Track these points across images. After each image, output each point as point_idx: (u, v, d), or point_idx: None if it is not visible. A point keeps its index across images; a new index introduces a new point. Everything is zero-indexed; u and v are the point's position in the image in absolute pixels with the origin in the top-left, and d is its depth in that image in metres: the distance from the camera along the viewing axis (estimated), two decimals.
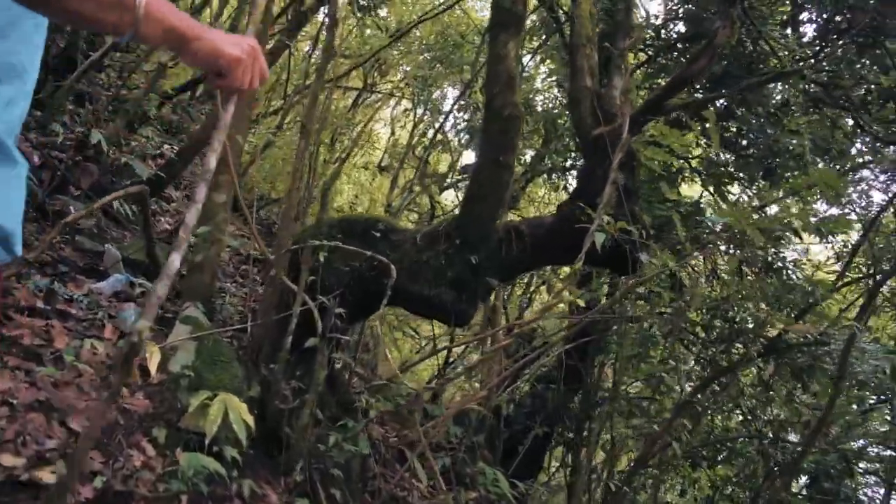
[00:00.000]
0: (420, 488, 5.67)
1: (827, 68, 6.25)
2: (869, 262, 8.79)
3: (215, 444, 3.52)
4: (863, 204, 10.03)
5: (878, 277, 7.26)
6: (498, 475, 6.25)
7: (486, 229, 5.03)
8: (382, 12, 15.12)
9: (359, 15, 15.12)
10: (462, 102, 17.66)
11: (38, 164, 7.39)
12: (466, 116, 15.95)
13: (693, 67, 4.63)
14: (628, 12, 5.81)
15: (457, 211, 7.04)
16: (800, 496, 8.01)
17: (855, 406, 8.35)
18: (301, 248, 4.55)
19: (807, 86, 5.85)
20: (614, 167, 3.95)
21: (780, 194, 9.29)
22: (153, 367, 3.62)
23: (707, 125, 4.44)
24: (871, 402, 8.60)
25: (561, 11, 9.25)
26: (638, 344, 9.60)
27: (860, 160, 8.47)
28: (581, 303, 4.06)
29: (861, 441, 8.69)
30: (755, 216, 8.21)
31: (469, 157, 20.25)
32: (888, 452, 8.29)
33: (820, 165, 8.72)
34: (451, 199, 17.79)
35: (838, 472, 7.60)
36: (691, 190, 10.12)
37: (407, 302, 5.18)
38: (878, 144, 5.85)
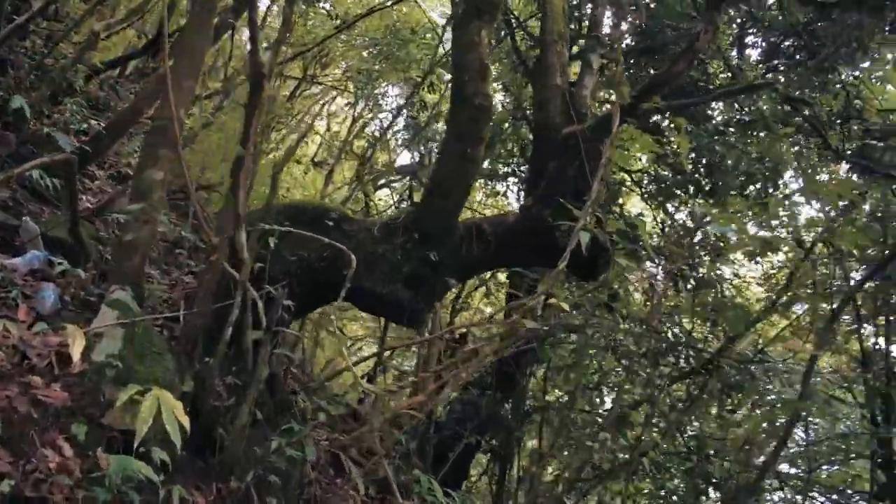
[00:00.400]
0: (356, 498, 5.32)
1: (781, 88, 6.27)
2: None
3: (143, 445, 3.11)
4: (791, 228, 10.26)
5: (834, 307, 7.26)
6: (433, 483, 5.98)
7: (448, 225, 4.74)
8: (327, 4, 14.71)
9: (303, 5, 14.69)
10: (403, 100, 17.41)
11: None
12: (410, 115, 15.72)
13: (673, 70, 4.46)
14: (599, 11, 5.61)
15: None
16: None
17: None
18: (247, 233, 4.14)
19: (778, 103, 5.79)
20: (603, 163, 3.70)
21: (717, 210, 9.35)
22: (75, 354, 3.18)
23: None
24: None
25: (512, 16, 9.09)
26: (571, 355, 9.54)
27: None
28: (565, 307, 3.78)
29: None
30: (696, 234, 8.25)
31: (406, 157, 19.96)
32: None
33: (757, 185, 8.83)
34: (385, 197, 17.49)
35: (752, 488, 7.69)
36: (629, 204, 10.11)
37: (358, 297, 4.82)
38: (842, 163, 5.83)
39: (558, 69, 5.25)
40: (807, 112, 5.66)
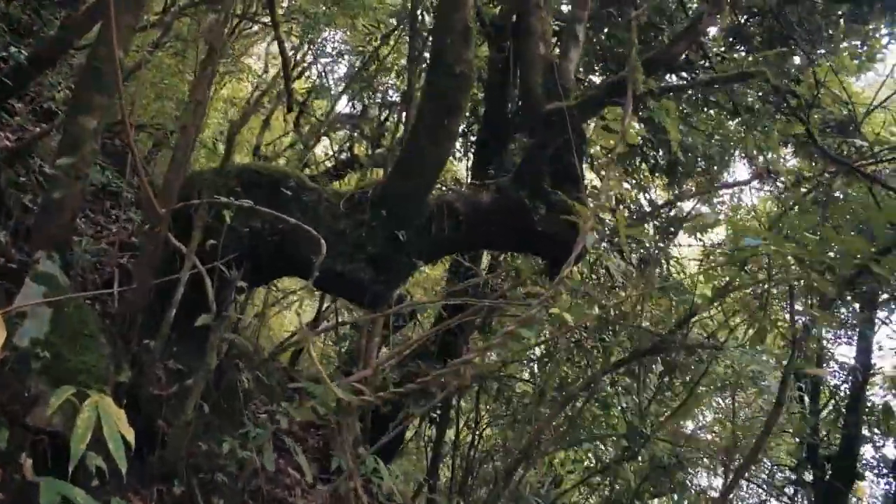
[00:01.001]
0: (302, 483, 4.99)
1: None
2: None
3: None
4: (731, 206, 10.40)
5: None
6: (378, 463, 5.71)
7: (418, 202, 4.35)
8: None
9: None
10: (349, 47, 16.73)
11: None
12: (355, 65, 15.09)
13: (671, 51, 4.14)
14: None
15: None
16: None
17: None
18: (195, 205, 3.67)
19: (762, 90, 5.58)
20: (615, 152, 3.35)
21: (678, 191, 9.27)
22: None
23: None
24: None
25: None
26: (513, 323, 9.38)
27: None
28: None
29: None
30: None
31: (343, 104, 19.31)
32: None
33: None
34: (325, 147, 16.90)
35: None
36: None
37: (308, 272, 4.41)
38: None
39: (540, 36, 4.86)
40: (792, 101, 5.45)
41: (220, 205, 3.61)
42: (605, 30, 7.73)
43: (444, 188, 5.38)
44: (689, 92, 6.51)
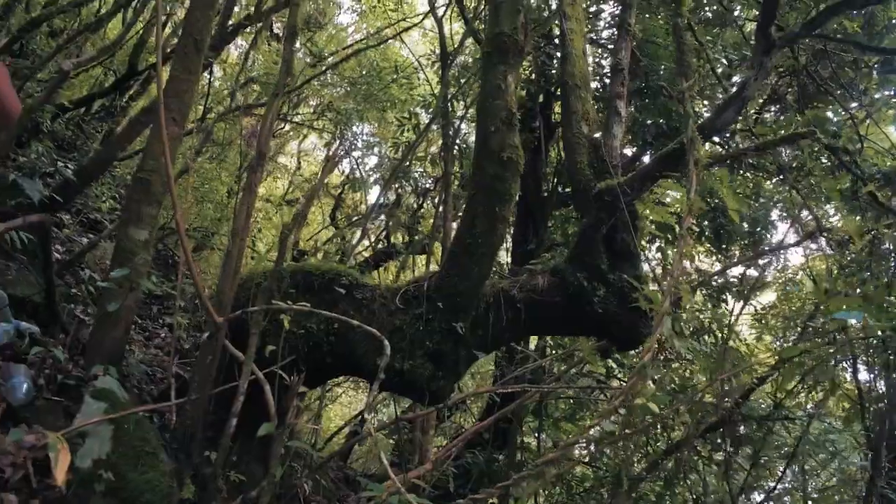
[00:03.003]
0: None
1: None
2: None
3: None
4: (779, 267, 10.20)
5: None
6: None
7: (474, 292, 4.25)
8: (298, 40, 14.35)
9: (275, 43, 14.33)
10: (378, 139, 17.08)
11: None
12: (386, 155, 15.36)
13: (721, 118, 4.07)
14: (622, 52, 5.24)
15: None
16: None
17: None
18: (252, 300, 3.61)
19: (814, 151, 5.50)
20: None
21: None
22: (60, 470, 2.62)
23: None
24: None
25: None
26: (568, 407, 9.19)
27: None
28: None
29: None
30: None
31: (375, 193, 19.50)
32: None
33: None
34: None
35: None
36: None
37: (373, 375, 4.30)
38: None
39: (583, 116, 4.84)
40: (846, 159, 5.34)
41: (276, 310, 3.55)
42: (635, 102, 7.76)
43: (498, 276, 5.29)
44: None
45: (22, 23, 10.80)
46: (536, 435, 8.87)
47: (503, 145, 4.12)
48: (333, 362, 4.13)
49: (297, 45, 14.54)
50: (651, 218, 4.59)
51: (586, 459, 9.23)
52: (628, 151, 8.73)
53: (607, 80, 8.03)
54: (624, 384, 4.87)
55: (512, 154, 4.12)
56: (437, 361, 4.15)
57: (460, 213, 10.01)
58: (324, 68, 13.86)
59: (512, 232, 9.60)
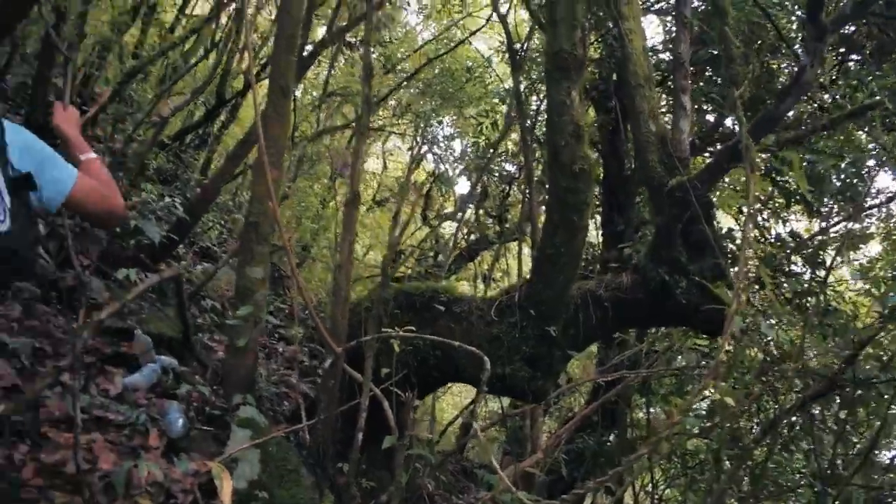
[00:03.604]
0: None
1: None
2: None
3: None
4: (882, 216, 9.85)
5: None
6: None
7: (562, 297, 4.59)
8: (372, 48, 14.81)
9: (349, 51, 14.81)
10: (456, 132, 17.42)
11: (45, 234, 6.90)
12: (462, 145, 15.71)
13: (781, 107, 4.23)
14: (681, 45, 5.41)
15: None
16: None
17: None
18: (363, 326, 4.06)
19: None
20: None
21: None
22: (225, 493, 3.12)
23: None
24: None
25: None
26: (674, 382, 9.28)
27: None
28: None
29: None
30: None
31: (464, 186, 19.86)
32: None
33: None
34: (449, 230, 17.35)
35: None
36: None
37: (477, 384, 4.71)
38: None
39: (649, 114, 5.06)
40: None
41: (388, 337, 3.99)
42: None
43: (585, 275, 5.58)
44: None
45: (117, 73, 11.68)
46: (645, 411, 9.02)
47: (574, 158, 4.41)
48: (440, 375, 4.55)
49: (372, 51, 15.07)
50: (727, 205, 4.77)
51: (697, 432, 9.35)
52: (710, 118, 8.75)
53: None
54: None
55: (583, 165, 4.41)
56: (533, 364, 4.52)
57: (545, 198, 10.30)
58: (400, 74, 14.32)
59: (600, 213, 9.77)
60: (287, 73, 5.66)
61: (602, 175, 9.50)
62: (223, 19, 13.09)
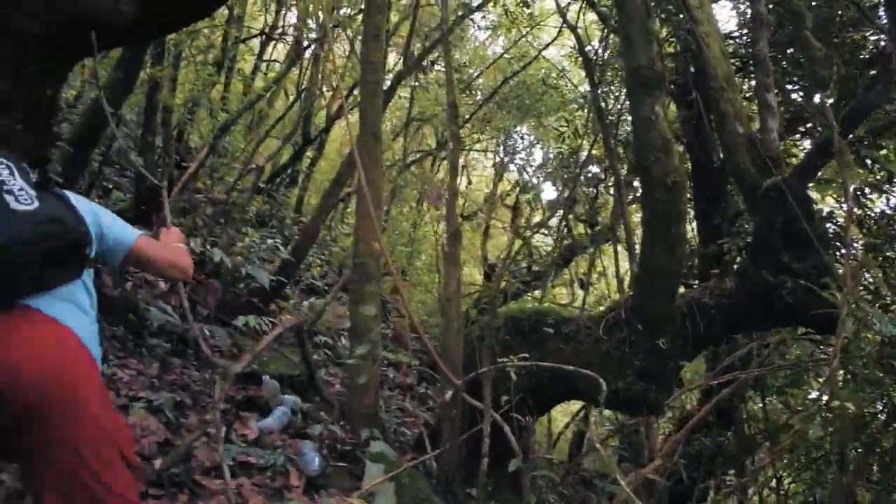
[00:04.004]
0: None
1: None
2: None
3: None
4: None
5: None
6: None
7: (667, 308, 4.67)
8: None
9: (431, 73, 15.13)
10: (537, 141, 17.50)
11: (166, 290, 7.38)
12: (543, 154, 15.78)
13: (870, 97, 4.19)
14: (760, 43, 5.39)
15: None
16: None
17: None
18: (480, 373, 4.22)
19: None
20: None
21: None
22: None
23: None
24: None
25: None
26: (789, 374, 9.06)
27: None
28: None
29: None
30: None
31: (550, 192, 19.79)
32: None
33: None
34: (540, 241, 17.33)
35: None
36: None
37: (591, 401, 4.85)
38: None
39: (735, 116, 5.07)
40: None
41: (504, 366, 4.16)
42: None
43: (689, 284, 5.62)
44: None
45: (210, 126, 12.31)
46: (761, 404, 8.85)
47: (666, 172, 4.49)
48: (555, 395, 4.69)
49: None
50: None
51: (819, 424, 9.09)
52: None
53: None
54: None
55: (675, 178, 4.48)
56: (646, 377, 4.60)
57: (637, 198, 10.26)
58: (476, 90, 14.56)
59: (693, 207, 9.68)
60: (375, 119, 5.95)
61: (690, 169, 9.40)
62: (301, 61, 13.64)
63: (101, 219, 2.16)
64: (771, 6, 6.56)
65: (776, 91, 6.90)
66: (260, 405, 5.67)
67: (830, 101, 4.32)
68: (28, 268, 1.81)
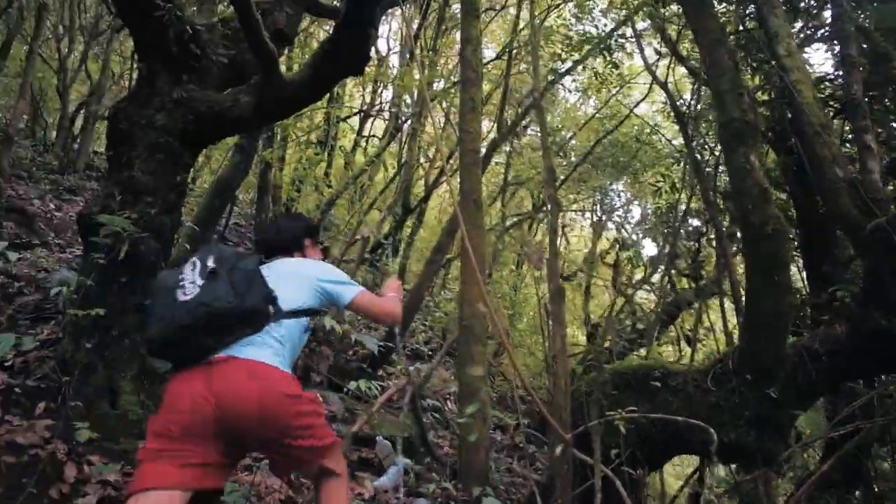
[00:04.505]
0: None
1: None
2: None
3: None
4: None
5: None
6: None
7: (777, 356, 4.61)
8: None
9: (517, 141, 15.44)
10: (634, 197, 17.45)
11: None
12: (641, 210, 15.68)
13: None
14: (853, 86, 5.37)
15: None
16: None
17: None
18: (587, 426, 4.29)
19: None
20: None
21: None
22: None
23: None
24: None
25: None
26: None
27: None
28: None
29: None
30: None
31: (651, 247, 19.57)
32: None
33: None
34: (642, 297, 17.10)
35: None
36: None
37: (702, 453, 4.80)
38: None
39: (833, 160, 5.04)
40: None
41: (612, 419, 4.22)
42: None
43: (799, 332, 5.52)
44: None
45: (317, 201, 12.92)
46: (892, 459, 8.41)
47: (765, 219, 4.51)
48: (666, 449, 4.66)
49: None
50: None
51: None
52: None
53: None
54: None
55: (774, 225, 4.49)
56: (759, 428, 4.53)
57: (740, 249, 10.07)
58: (570, 150, 14.77)
59: (801, 255, 9.43)
60: (475, 186, 6.20)
61: (796, 216, 9.20)
62: (399, 135, 14.23)
63: (319, 280, 2.92)
64: (865, 46, 6.54)
65: (880, 131, 6.80)
66: (373, 465, 5.85)
67: None
68: (198, 337, 2.50)
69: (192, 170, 5.38)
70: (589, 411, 4.44)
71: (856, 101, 5.24)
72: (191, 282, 2.58)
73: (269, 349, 2.63)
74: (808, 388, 4.67)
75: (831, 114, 7.88)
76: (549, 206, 5.36)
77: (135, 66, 12.31)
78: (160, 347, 2.56)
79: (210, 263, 2.64)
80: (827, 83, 8.55)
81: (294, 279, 2.89)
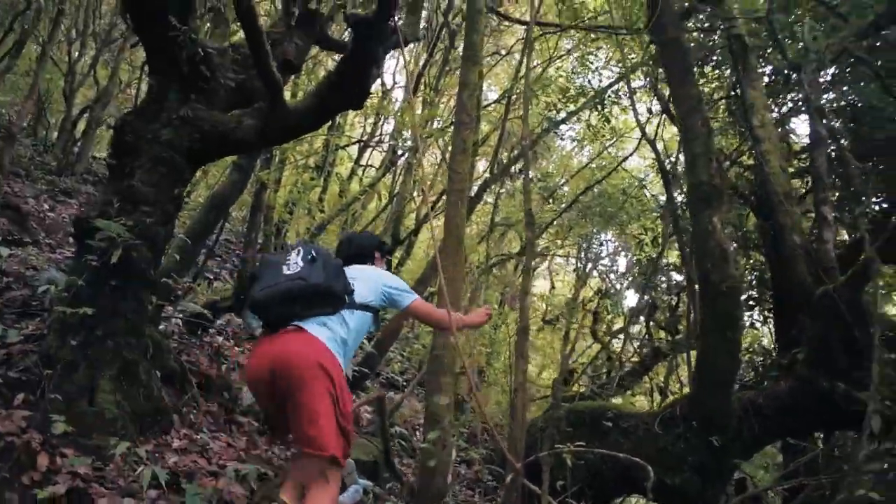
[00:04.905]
0: None
1: None
2: None
3: None
4: None
5: None
6: None
7: (723, 408, 4.88)
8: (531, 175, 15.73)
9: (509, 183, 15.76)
10: (619, 248, 17.76)
11: None
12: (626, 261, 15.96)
13: None
14: (819, 160, 5.72)
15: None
16: None
17: None
18: (539, 457, 4.53)
19: None
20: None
21: None
22: None
23: None
24: None
25: None
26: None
27: None
28: None
29: None
30: None
31: (632, 298, 19.85)
32: None
33: None
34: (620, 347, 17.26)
35: None
36: None
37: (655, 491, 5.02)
38: None
39: (792, 229, 5.37)
40: None
41: (560, 452, 4.46)
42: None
43: (744, 388, 5.78)
44: None
45: (308, 224, 13.12)
46: None
47: (723, 278, 4.81)
48: (615, 486, 4.89)
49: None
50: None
51: None
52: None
53: None
54: None
55: (731, 283, 4.79)
56: (702, 473, 4.78)
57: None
58: (559, 197, 15.09)
59: (772, 318, 9.68)
60: (460, 224, 6.46)
61: (770, 280, 9.50)
62: (395, 168, 14.53)
63: (384, 286, 3.52)
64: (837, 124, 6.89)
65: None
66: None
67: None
68: (287, 304, 3.11)
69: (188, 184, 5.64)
70: (542, 445, 4.67)
71: (819, 175, 5.58)
72: (294, 262, 3.23)
73: (332, 333, 3.14)
74: (751, 440, 4.92)
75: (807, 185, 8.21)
76: (527, 247, 5.64)
77: (144, 76, 12.62)
78: (261, 307, 3.18)
79: (312, 253, 3.24)
80: (804, 153, 8.91)
81: (366, 281, 3.46)
